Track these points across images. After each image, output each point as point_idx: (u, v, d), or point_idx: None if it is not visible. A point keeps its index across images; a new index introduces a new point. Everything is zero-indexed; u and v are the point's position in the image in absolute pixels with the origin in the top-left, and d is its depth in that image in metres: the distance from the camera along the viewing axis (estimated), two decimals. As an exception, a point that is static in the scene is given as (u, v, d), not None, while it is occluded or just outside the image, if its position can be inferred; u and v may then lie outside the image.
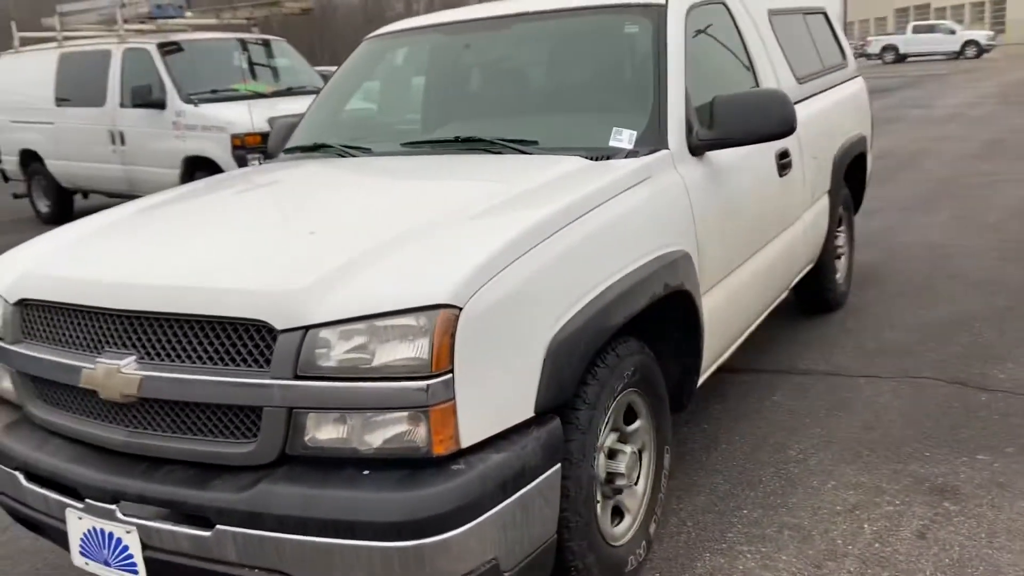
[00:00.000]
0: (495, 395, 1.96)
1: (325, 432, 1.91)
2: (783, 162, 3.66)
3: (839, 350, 4.45)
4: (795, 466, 3.25)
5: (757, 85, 3.75)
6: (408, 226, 2.20)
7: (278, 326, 1.92)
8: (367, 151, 3.26)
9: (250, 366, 1.95)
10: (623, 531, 2.57)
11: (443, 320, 1.85)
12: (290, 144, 3.53)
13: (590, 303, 2.19)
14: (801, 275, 4.34)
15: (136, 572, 2.09)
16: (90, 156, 10.13)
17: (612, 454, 2.51)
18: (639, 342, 2.56)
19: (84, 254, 2.43)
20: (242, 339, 1.97)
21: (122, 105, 9.56)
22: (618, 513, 2.61)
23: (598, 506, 2.44)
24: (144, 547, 2.06)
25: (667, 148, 2.84)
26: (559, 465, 2.09)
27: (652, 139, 2.85)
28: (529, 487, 1.99)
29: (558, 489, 2.10)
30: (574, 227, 2.24)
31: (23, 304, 2.36)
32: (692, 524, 2.91)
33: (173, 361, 2.05)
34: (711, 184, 2.99)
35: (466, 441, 1.90)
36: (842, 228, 5.16)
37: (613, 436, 2.54)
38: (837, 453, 3.34)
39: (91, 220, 2.74)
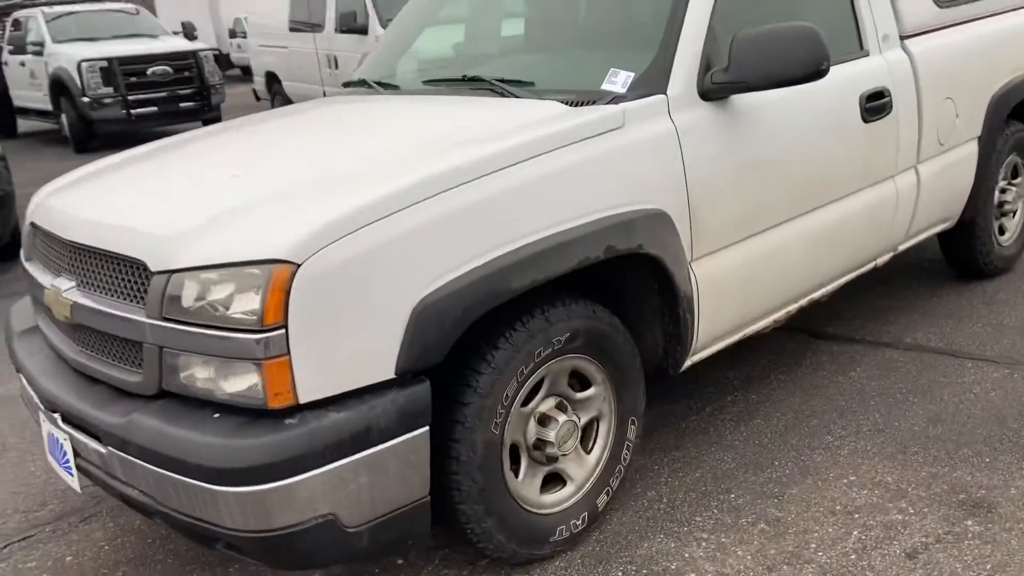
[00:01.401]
0: (342, 354, 1.93)
1: (191, 373, 2.00)
2: (873, 104, 3.16)
3: (966, 325, 3.85)
4: (821, 454, 2.91)
5: (854, 12, 3.24)
6: (310, 177, 2.19)
7: (152, 267, 2.02)
8: (394, 88, 3.24)
9: (135, 303, 2.08)
10: (558, 499, 2.47)
11: (277, 276, 1.85)
12: (349, 78, 3.60)
13: (480, 267, 2.06)
14: (923, 236, 3.77)
15: (73, 475, 2.35)
16: (314, 79, 10.93)
17: (545, 420, 2.40)
18: (589, 307, 2.39)
19: (70, 188, 2.68)
20: (130, 277, 2.10)
21: (336, 31, 10.17)
22: (560, 480, 2.50)
23: (514, 471, 2.35)
24: (76, 454, 2.30)
25: (663, 93, 2.56)
26: (425, 429, 2.04)
27: (649, 83, 2.58)
28: (379, 448, 1.97)
29: (424, 452, 2.05)
30: (474, 186, 2.11)
31: (32, 226, 2.67)
32: (667, 501, 2.72)
33: (92, 291, 2.23)
34: (728, 133, 2.66)
35: (304, 397, 1.91)
36: (1018, 180, 4.38)
37: (551, 401, 2.41)
38: (879, 445, 2.93)
39: (107, 158, 2.99)
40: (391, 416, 1.97)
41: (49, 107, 12.05)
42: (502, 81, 2.78)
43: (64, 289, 2.29)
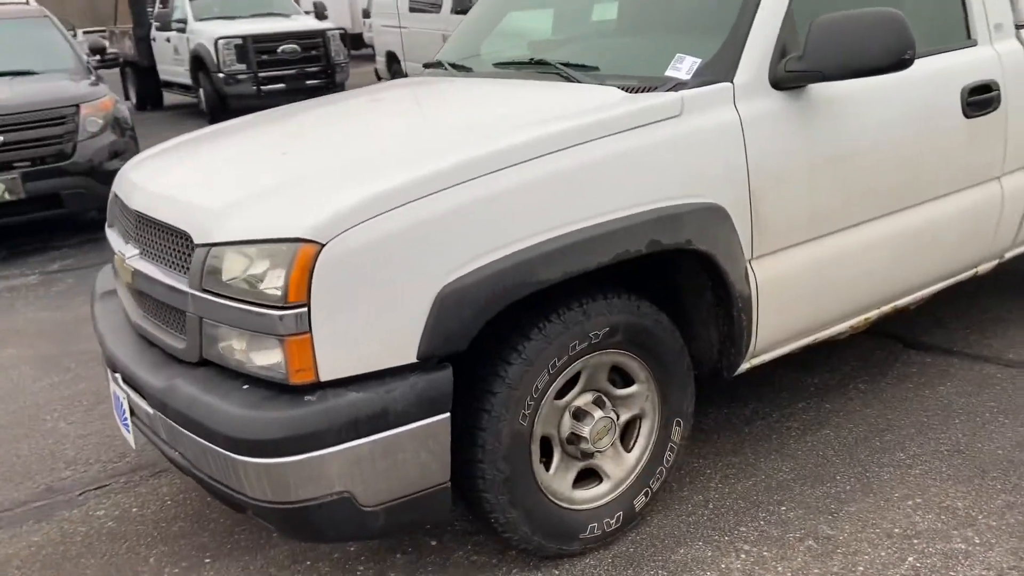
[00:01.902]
0: (364, 335, 1.94)
1: (228, 344, 2.06)
2: (978, 99, 2.92)
3: (1084, 343, 3.52)
4: (889, 472, 2.72)
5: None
6: (356, 156, 2.21)
7: (195, 239, 2.09)
8: (467, 70, 3.23)
9: (181, 273, 2.16)
10: (592, 496, 2.42)
11: (301, 255, 1.88)
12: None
13: (508, 256, 2.03)
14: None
15: (129, 432, 2.48)
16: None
17: (580, 415, 2.35)
18: (633, 301, 2.32)
19: (147, 160, 2.81)
20: (178, 247, 2.18)
21: (452, 11, 10.27)
22: (596, 477, 2.45)
23: (545, 464, 2.32)
24: (132, 412, 2.42)
25: (730, 81, 2.44)
26: (446, 415, 2.02)
27: (716, 70, 2.46)
28: (397, 431, 1.97)
29: (444, 439, 2.03)
30: (507, 174, 2.06)
31: (114, 194, 2.82)
32: (712, 508, 2.62)
33: (150, 259, 2.33)
34: (802, 125, 2.51)
35: (325, 375, 1.93)
36: None
37: (589, 396, 2.36)
38: (955, 468, 2.72)
39: (192, 132, 3.11)
40: (409, 400, 1.97)
41: (189, 82, 12.73)
42: (566, 65, 2.72)
43: (128, 256, 2.41)
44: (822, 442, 2.93)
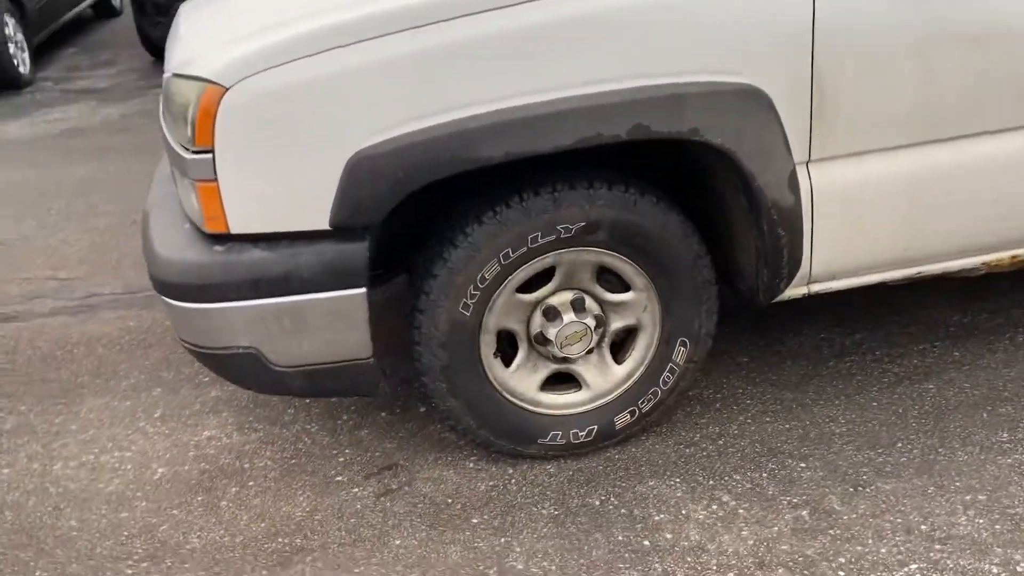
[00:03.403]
0: (275, 192, 1.82)
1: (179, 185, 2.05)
2: None
3: None
4: (971, 453, 2.15)
5: None
6: (306, 9, 1.96)
7: (165, 72, 2.06)
8: None
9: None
10: (564, 402, 2.18)
11: (205, 96, 1.77)
12: None
13: (433, 127, 1.75)
14: None
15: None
16: None
17: (552, 315, 2.08)
18: (629, 195, 1.96)
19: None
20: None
21: None
22: (576, 384, 2.20)
23: (507, 360, 2.11)
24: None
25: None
26: (361, 291, 1.88)
27: None
28: (302, 298, 1.87)
29: (359, 315, 1.89)
30: (440, 29, 1.73)
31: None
32: (719, 444, 2.26)
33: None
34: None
35: (236, 228, 1.86)
36: None
37: (567, 295, 2.08)
38: (1061, 469, 2.08)
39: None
40: (315, 268, 1.85)
41: None
42: None
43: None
44: (914, 398, 2.37)
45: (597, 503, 2.09)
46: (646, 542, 1.96)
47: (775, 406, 2.39)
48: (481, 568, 1.92)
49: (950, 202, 2.07)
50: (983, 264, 2.25)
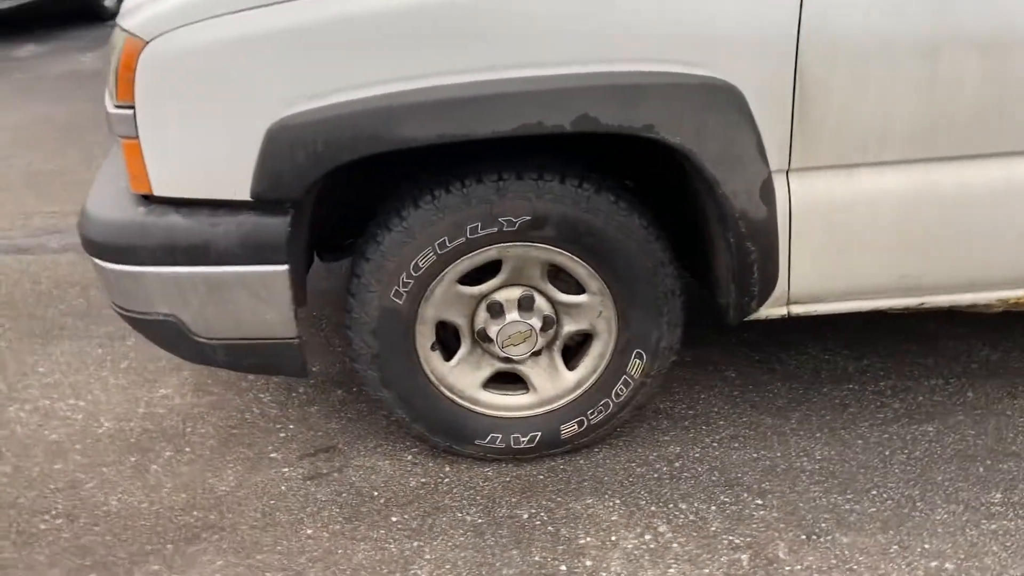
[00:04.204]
0: (196, 156, 1.71)
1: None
2: None
3: None
4: (952, 512, 1.91)
5: None
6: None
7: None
8: None
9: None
10: (506, 404, 2.04)
11: (127, 50, 1.67)
12: None
13: (358, 100, 1.61)
14: None
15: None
16: None
17: (497, 312, 1.93)
18: (583, 191, 1.78)
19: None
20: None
21: None
22: (524, 385, 2.05)
23: (448, 354, 1.98)
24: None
25: None
26: (282, 268, 1.77)
27: None
28: (219, 269, 1.77)
29: (279, 293, 1.78)
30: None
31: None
32: (674, 467, 2.08)
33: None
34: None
35: (158, 190, 1.77)
36: None
37: (516, 292, 1.93)
38: (1056, 545, 1.83)
39: None
40: (233, 240, 1.74)
41: None
42: None
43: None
44: (907, 440, 2.14)
45: (525, 516, 1.95)
46: (563, 567, 1.81)
47: (748, 431, 2.19)
48: (384, 572, 1.81)
49: (955, 230, 1.81)
50: (998, 301, 1.98)
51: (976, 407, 2.24)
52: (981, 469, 2.03)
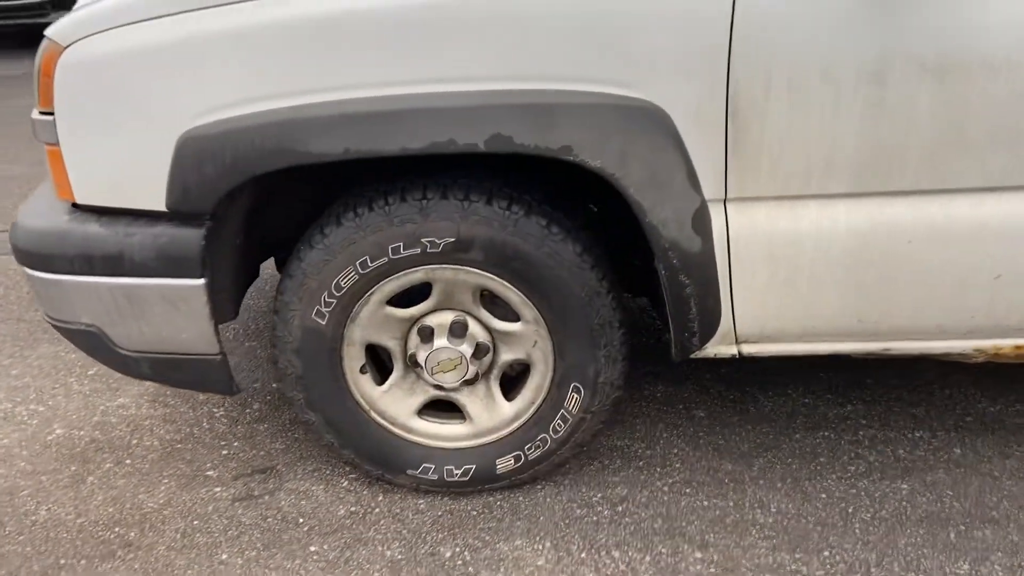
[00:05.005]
0: (113, 164, 1.68)
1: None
2: None
3: None
4: (910, 581, 1.74)
5: None
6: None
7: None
8: None
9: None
10: (440, 433, 1.95)
11: (46, 55, 1.66)
12: None
13: (266, 112, 1.55)
14: None
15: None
16: None
17: (427, 337, 1.85)
18: (511, 214, 1.69)
19: None
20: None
21: None
22: (461, 415, 1.96)
23: (379, 378, 1.91)
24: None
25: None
26: (199, 282, 1.72)
27: None
28: (136, 281, 1.73)
29: (198, 307, 1.74)
30: (295, 4, 1.53)
31: None
32: (616, 512, 1.95)
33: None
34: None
35: (80, 198, 1.74)
36: None
37: (448, 316, 1.84)
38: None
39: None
40: (148, 252, 1.70)
41: None
42: None
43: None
44: (875, 497, 1.97)
45: (448, 555, 1.85)
46: (473, 613, 1.70)
47: (704, 476, 2.05)
48: (289, 604, 1.74)
49: (917, 272, 1.65)
50: (975, 351, 1.81)
51: (961, 465, 2.05)
52: (952, 535, 1.84)
